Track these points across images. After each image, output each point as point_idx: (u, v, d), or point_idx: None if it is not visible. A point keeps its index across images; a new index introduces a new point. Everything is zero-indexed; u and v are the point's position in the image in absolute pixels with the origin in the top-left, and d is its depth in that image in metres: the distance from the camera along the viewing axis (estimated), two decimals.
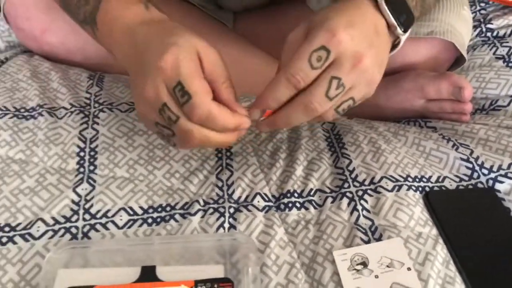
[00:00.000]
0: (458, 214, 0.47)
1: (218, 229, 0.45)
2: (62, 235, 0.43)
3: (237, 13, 0.69)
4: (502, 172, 0.50)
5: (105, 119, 0.53)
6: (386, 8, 0.39)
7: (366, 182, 0.49)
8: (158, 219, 0.45)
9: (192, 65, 0.36)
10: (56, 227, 0.44)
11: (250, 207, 0.47)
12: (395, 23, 0.40)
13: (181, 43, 0.36)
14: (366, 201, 0.47)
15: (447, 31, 0.59)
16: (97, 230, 0.44)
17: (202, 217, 0.45)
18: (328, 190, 0.49)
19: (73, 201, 0.46)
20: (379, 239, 0.44)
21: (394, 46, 0.42)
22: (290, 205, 0.47)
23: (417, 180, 0.50)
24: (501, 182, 0.49)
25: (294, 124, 0.39)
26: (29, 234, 0.43)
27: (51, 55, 0.62)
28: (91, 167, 0.49)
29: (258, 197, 0.48)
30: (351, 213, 0.46)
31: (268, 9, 0.68)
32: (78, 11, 0.45)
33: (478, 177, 0.50)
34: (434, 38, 0.58)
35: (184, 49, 0.36)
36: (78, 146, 0.50)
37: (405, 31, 0.41)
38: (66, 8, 0.47)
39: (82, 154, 0.50)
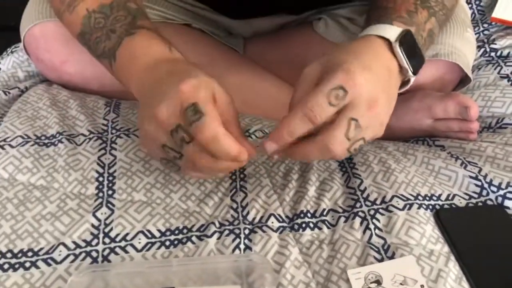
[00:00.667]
0: (469, 231, 0.47)
1: (234, 250, 0.46)
2: (83, 259, 0.44)
3: (247, 38, 0.71)
4: (510, 189, 0.50)
5: (122, 144, 0.55)
6: (400, 51, 0.41)
7: (378, 201, 0.50)
8: (176, 242, 0.46)
9: (209, 94, 0.38)
10: (77, 251, 0.45)
11: (264, 228, 0.48)
12: (407, 67, 0.42)
13: (202, 78, 0.38)
14: (378, 220, 0.48)
15: (451, 53, 0.60)
16: (116, 253, 0.45)
17: (218, 238, 0.47)
18: (340, 210, 0.50)
19: (93, 225, 0.47)
20: (391, 257, 0.45)
21: (403, 83, 0.45)
22: (303, 225, 0.48)
23: (427, 198, 0.50)
24: (510, 199, 0.50)
25: (310, 160, 0.41)
26: (51, 259, 0.44)
27: (70, 84, 0.64)
28: (110, 192, 0.50)
29: (272, 218, 0.49)
30: (364, 232, 0.47)
31: (277, 34, 0.70)
32: (96, 46, 0.47)
33: (487, 194, 0.51)
34: (439, 60, 0.60)
35: (203, 81, 0.38)
36: (97, 172, 0.52)
37: (414, 73, 0.43)
38: (85, 42, 0.50)
39: (100, 179, 0.51)
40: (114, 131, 0.57)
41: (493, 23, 0.76)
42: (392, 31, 0.43)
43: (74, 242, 0.46)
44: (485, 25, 0.77)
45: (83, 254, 0.45)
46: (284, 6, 0.66)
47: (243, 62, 0.67)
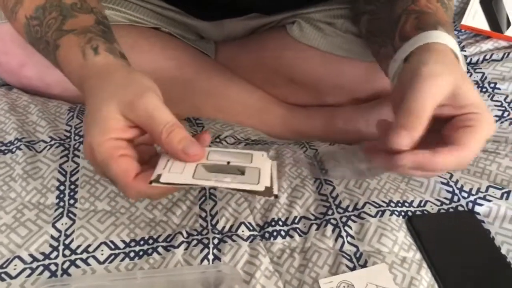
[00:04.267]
0: (441, 237, 0.47)
1: (202, 261, 0.44)
2: (41, 273, 0.42)
3: (218, 43, 0.70)
4: (480, 195, 0.51)
5: None
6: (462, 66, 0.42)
7: (350, 208, 0.49)
8: (141, 253, 0.44)
9: (104, 150, 0.36)
10: (34, 264, 0.42)
11: (234, 237, 0.46)
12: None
13: (96, 127, 0.36)
14: (350, 227, 0.47)
15: None
16: (77, 266, 0.43)
17: (186, 249, 0.45)
18: (312, 217, 0.49)
19: (52, 237, 0.45)
20: (364, 265, 0.44)
21: None
22: (275, 233, 0.47)
23: (400, 205, 0.50)
24: (480, 204, 0.50)
25: (440, 170, 0.39)
26: (6, 273, 0.41)
27: (30, 89, 0.61)
28: (71, 201, 0.48)
29: (242, 227, 0.47)
30: (336, 239, 0.46)
31: (249, 38, 0.69)
32: (46, 57, 0.45)
33: (458, 200, 0.51)
34: None
35: (96, 135, 0.36)
36: (58, 180, 0.49)
37: None
38: (41, 53, 0.47)
39: (62, 188, 0.49)
40: (77, 137, 0.54)
41: (462, 30, 0.78)
42: (450, 40, 0.42)
43: (31, 255, 0.43)
44: (455, 32, 0.78)
45: (41, 268, 0.42)
46: (255, 6, 0.65)
47: (214, 67, 0.66)
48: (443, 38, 0.41)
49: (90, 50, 0.41)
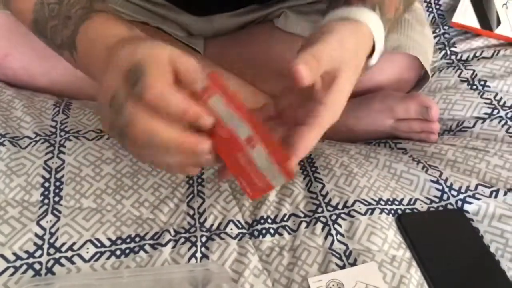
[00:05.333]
0: (430, 236, 0.47)
1: (190, 259, 0.43)
2: (24, 272, 0.41)
3: (207, 39, 0.69)
4: (470, 193, 0.51)
5: (72, 147, 0.52)
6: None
7: (340, 206, 0.49)
8: (127, 251, 0.44)
9: (152, 53, 0.33)
10: (18, 263, 0.41)
11: (223, 235, 0.46)
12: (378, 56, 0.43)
13: (149, 43, 0.34)
14: (340, 225, 0.47)
15: (412, 47, 0.60)
16: (62, 265, 0.42)
17: (173, 247, 0.44)
18: (302, 215, 0.48)
19: (36, 235, 0.44)
20: (353, 263, 0.44)
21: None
22: (263, 231, 0.47)
23: (389, 203, 0.50)
24: (470, 203, 0.50)
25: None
26: None
27: (15, 81, 0.60)
28: (56, 198, 0.47)
29: (231, 225, 0.47)
30: (326, 238, 0.46)
31: (238, 34, 0.68)
32: (55, 36, 0.43)
33: (448, 198, 0.51)
34: (397, 56, 0.60)
35: (148, 46, 0.34)
36: (43, 177, 0.48)
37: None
38: (39, 31, 0.45)
39: (46, 184, 0.48)
40: (63, 133, 0.53)
41: (453, 27, 0.78)
42: (374, 19, 0.42)
43: (14, 254, 0.42)
44: (445, 28, 0.78)
45: (24, 266, 0.41)
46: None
47: (204, 63, 0.65)
48: (373, 22, 0.42)
49: (135, 28, 0.40)
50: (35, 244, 0.43)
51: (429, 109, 0.59)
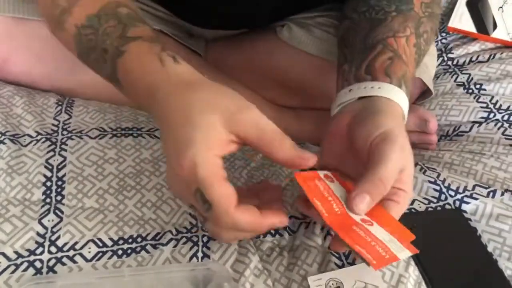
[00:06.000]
0: (428, 235, 0.47)
1: (191, 258, 0.43)
2: (25, 270, 0.41)
3: (209, 41, 0.69)
4: (467, 193, 0.51)
5: (74, 146, 0.52)
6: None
7: None
8: (129, 251, 0.44)
9: (210, 168, 0.34)
10: (19, 261, 0.41)
11: None
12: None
13: (199, 139, 0.34)
14: None
15: None
16: (63, 264, 0.42)
17: (175, 247, 0.44)
18: (301, 216, 0.49)
19: (38, 234, 0.44)
20: (352, 263, 0.44)
21: None
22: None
23: None
24: (467, 203, 0.50)
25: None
26: None
27: (17, 84, 0.60)
28: (58, 197, 0.47)
29: None
30: (325, 237, 0.47)
31: (240, 38, 0.69)
32: (98, 70, 0.43)
33: (446, 198, 0.51)
34: None
35: (201, 148, 0.34)
36: (44, 175, 0.49)
37: None
38: (87, 64, 0.44)
39: (48, 183, 0.48)
40: (65, 132, 0.53)
41: (450, 32, 0.79)
42: (405, 104, 0.44)
43: (15, 252, 0.42)
44: (443, 34, 0.79)
45: (25, 264, 0.41)
46: (250, 22, 0.65)
47: (205, 66, 0.65)
48: (403, 101, 0.43)
49: (168, 57, 0.39)
50: (36, 242, 0.43)
51: (428, 122, 0.60)
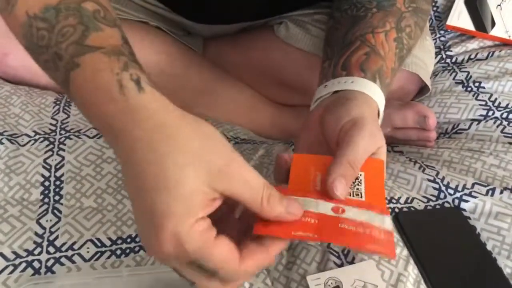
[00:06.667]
0: (428, 234, 0.47)
1: None
2: (24, 270, 0.41)
3: (206, 38, 0.69)
4: (466, 191, 0.51)
5: (72, 146, 0.52)
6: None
7: None
8: (127, 250, 0.44)
9: (198, 238, 0.28)
10: (17, 261, 0.41)
11: None
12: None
13: (180, 210, 0.28)
14: None
15: (411, 63, 0.61)
16: (62, 264, 0.42)
17: None
18: None
19: (36, 234, 0.44)
20: (352, 262, 0.44)
21: None
22: None
23: (387, 201, 0.50)
24: (466, 201, 0.50)
25: None
26: None
27: (16, 79, 0.60)
28: (57, 197, 0.47)
29: None
30: None
31: (238, 37, 0.69)
32: (50, 74, 0.35)
33: (445, 197, 0.51)
34: (399, 70, 0.61)
35: (183, 219, 0.28)
36: (42, 175, 0.48)
37: None
38: (37, 62, 0.37)
39: (46, 183, 0.48)
40: (63, 131, 0.53)
41: (448, 30, 0.79)
42: (378, 93, 0.43)
43: (14, 252, 0.42)
44: (442, 32, 0.79)
45: (24, 265, 0.41)
46: (246, 16, 0.65)
47: (203, 63, 0.65)
48: (376, 95, 0.43)
49: (130, 82, 0.31)
50: (34, 242, 0.43)
51: (427, 118, 0.59)
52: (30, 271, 0.41)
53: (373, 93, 0.43)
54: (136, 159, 0.29)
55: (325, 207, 0.35)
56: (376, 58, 0.45)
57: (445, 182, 0.52)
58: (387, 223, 0.35)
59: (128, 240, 0.44)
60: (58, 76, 0.34)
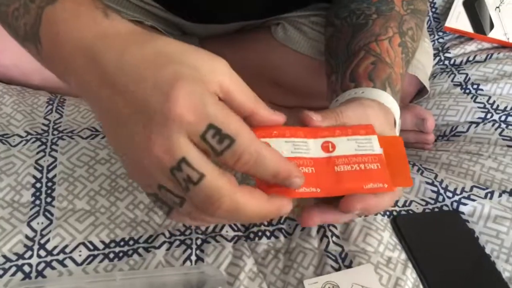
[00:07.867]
0: (426, 237, 0.47)
1: (184, 262, 0.43)
2: (13, 274, 0.40)
3: (202, 39, 0.69)
4: (465, 194, 0.51)
5: (65, 147, 0.51)
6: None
7: None
8: (121, 254, 0.43)
9: (216, 98, 0.28)
10: (7, 265, 0.40)
11: (218, 238, 0.45)
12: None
13: (185, 71, 0.27)
14: (336, 227, 0.47)
15: (410, 65, 0.61)
16: (53, 268, 0.41)
17: (168, 249, 0.43)
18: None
19: (27, 237, 0.43)
20: (349, 265, 0.44)
21: None
22: (259, 234, 0.46)
23: None
24: (465, 204, 0.50)
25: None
26: None
27: (7, 78, 0.59)
28: (48, 199, 0.46)
29: (226, 227, 0.46)
30: (321, 240, 0.46)
31: (234, 38, 0.68)
32: (17, 24, 0.34)
33: (443, 200, 0.51)
34: None
35: (193, 78, 0.27)
36: (34, 177, 0.47)
37: None
38: (3, 20, 0.37)
39: (38, 185, 0.47)
40: (56, 132, 0.52)
41: (446, 32, 0.78)
42: (390, 101, 0.43)
43: (3, 256, 0.41)
44: (440, 33, 0.79)
45: (14, 269, 0.40)
46: (241, 16, 0.64)
47: None
48: (390, 103, 0.42)
49: (113, 13, 0.32)
50: (25, 246, 0.42)
51: (425, 120, 0.59)
52: (20, 275, 0.40)
53: (385, 101, 0.42)
54: (124, 68, 0.28)
55: (315, 146, 0.34)
56: (383, 66, 0.45)
57: (443, 185, 0.52)
58: (376, 146, 0.35)
59: (122, 243, 0.44)
60: (27, 20, 0.33)
